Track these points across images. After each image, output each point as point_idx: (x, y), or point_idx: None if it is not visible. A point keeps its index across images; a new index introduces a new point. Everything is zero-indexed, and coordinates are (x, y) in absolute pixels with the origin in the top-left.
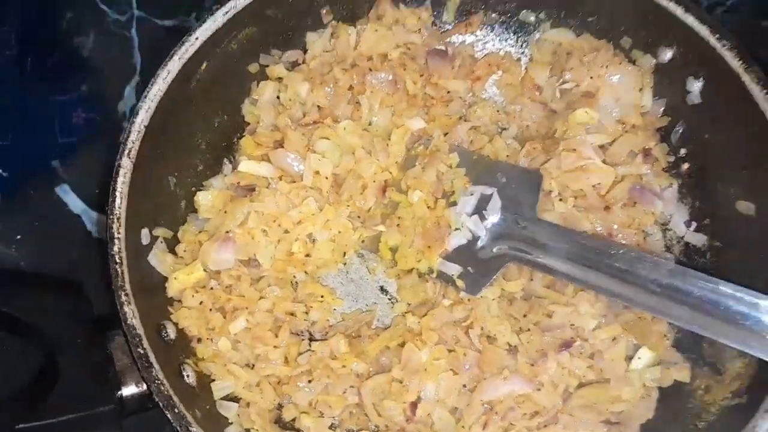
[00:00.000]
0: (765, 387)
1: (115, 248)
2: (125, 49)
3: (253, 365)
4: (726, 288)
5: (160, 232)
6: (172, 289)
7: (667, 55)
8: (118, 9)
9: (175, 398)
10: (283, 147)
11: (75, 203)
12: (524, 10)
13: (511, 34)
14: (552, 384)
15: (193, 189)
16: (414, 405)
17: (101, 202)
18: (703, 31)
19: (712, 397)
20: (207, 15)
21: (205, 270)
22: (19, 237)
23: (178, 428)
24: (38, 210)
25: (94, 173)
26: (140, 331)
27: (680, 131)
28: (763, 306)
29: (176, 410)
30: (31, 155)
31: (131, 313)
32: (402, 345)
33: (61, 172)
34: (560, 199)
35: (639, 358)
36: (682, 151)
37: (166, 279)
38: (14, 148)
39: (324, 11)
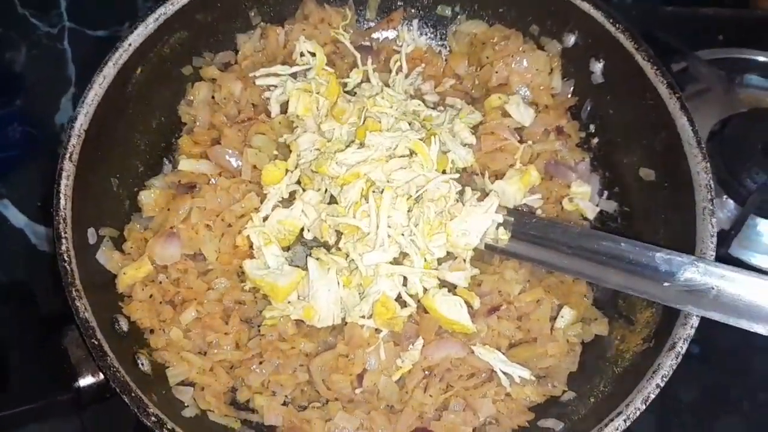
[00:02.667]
0: (668, 330)
1: (63, 247)
2: (59, 62)
3: (205, 352)
4: (626, 245)
5: (106, 231)
6: (122, 284)
7: (570, 40)
8: (49, 22)
9: (131, 384)
10: (220, 144)
11: (17, 217)
12: (440, 5)
13: (430, 28)
14: (484, 346)
15: (136, 189)
16: (360, 376)
17: (44, 215)
18: (599, 16)
19: (627, 346)
20: (138, 21)
21: (152, 265)
22: None
23: (136, 411)
24: None
25: (34, 187)
26: (93, 323)
27: (588, 109)
28: (658, 257)
29: (133, 394)
30: None
31: (83, 307)
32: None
33: (1, 188)
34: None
35: (562, 317)
36: (591, 127)
37: (114, 276)
38: None
39: (252, 13)
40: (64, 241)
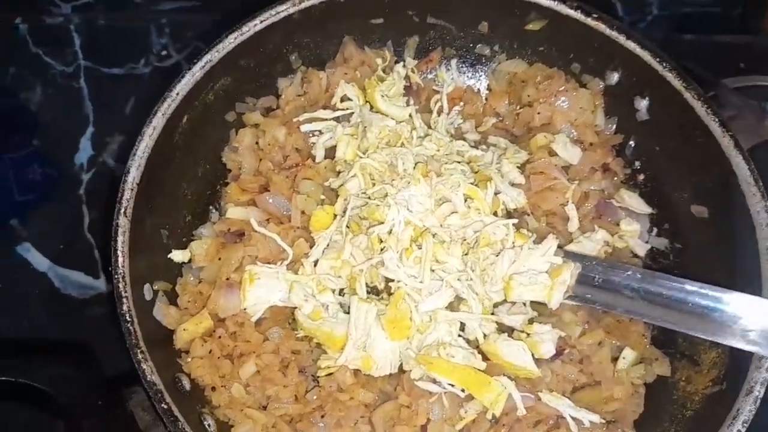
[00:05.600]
0: (740, 373)
1: (125, 307)
2: (75, 100)
3: (265, 406)
4: (691, 286)
5: (159, 285)
6: (181, 340)
7: (614, 77)
8: (64, 60)
9: None
10: (268, 191)
11: (39, 261)
12: (479, 44)
13: (469, 67)
14: (550, 392)
15: (184, 240)
16: (424, 428)
17: (67, 257)
18: (645, 55)
19: (694, 387)
20: (185, 70)
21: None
22: None
23: None
24: (0, 272)
25: (56, 229)
26: (161, 386)
27: (633, 145)
28: (725, 299)
29: None
30: None
31: (149, 369)
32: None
33: (21, 230)
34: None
35: (624, 358)
36: (637, 164)
37: (170, 332)
38: None
39: (293, 57)
40: (125, 300)
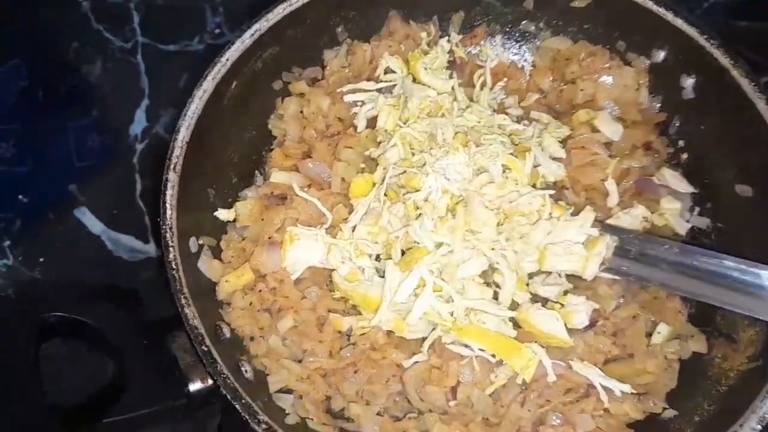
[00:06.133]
0: None
1: (171, 256)
2: (132, 75)
3: (301, 360)
4: (730, 262)
5: (205, 240)
6: (223, 291)
7: (660, 55)
8: (123, 37)
9: (241, 390)
10: (310, 157)
11: (94, 224)
12: (524, 21)
13: (513, 43)
14: (581, 361)
15: (230, 200)
16: (454, 389)
17: (120, 222)
18: (692, 32)
19: (730, 364)
20: (235, 37)
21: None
22: (42, 260)
23: (247, 417)
24: (59, 233)
25: (110, 195)
26: (202, 330)
27: (677, 124)
28: (764, 275)
29: (243, 401)
30: (49, 180)
31: (192, 314)
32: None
33: (79, 195)
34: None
35: (658, 332)
36: (681, 143)
37: (213, 284)
38: (33, 175)
39: (339, 29)
40: (171, 249)
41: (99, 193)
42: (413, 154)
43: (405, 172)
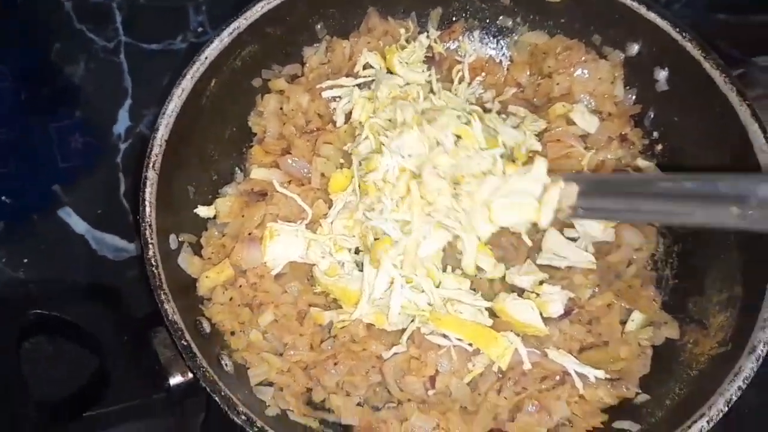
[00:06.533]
0: (745, 334)
1: (150, 252)
2: (115, 74)
3: (281, 354)
4: (688, 182)
5: (185, 237)
6: (203, 287)
7: (634, 49)
8: (106, 36)
9: (220, 383)
10: (290, 153)
11: (78, 224)
12: (502, 16)
13: (491, 38)
14: (557, 349)
15: (210, 197)
16: (432, 378)
17: (104, 222)
18: (665, 26)
19: (701, 349)
20: (214, 36)
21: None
22: (26, 260)
23: (227, 410)
24: (43, 234)
25: (94, 194)
26: (181, 325)
27: (651, 116)
28: (720, 185)
29: (222, 393)
30: (32, 181)
31: (171, 310)
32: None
33: (63, 196)
34: None
35: (632, 320)
36: (655, 134)
37: (193, 280)
38: (16, 176)
39: (318, 27)
40: (150, 246)
41: (83, 193)
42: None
43: (367, 157)
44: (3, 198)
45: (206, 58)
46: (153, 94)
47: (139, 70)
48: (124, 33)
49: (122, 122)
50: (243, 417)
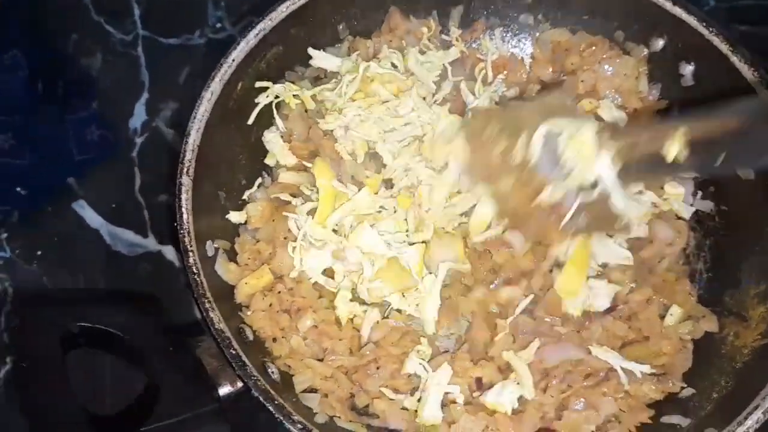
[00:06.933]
0: None
1: (191, 260)
2: (132, 68)
3: (322, 359)
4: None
5: (220, 243)
6: (242, 294)
7: (659, 44)
8: (123, 29)
9: (272, 392)
10: (317, 156)
11: (92, 218)
12: (524, 14)
13: (513, 36)
14: (600, 346)
15: (239, 202)
16: (479, 380)
17: (118, 216)
18: (691, 20)
19: (743, 341)
20: (240, 38)
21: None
22: (39, 253)
23: (281, 418)
24: (56, 226)
25: (109, 188)
26: (228, 333)
27: (677, 112)
28: None
29: (276, 402)
30: (47, 173)
31: (217, 318)
32: None
33: (78, 189)
34: None
35: (671, 314)
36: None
37: (229, 287)
38: (31, 167)
39: (341, 27)
40: (191, 254)
41: (98, 187)
42: None
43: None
44: (17, 189)
45: (233, 60)
46: (170, 88)
47: (157, 65)
48: (142, 26)
49: (138, 116)
50: (299, 426)
